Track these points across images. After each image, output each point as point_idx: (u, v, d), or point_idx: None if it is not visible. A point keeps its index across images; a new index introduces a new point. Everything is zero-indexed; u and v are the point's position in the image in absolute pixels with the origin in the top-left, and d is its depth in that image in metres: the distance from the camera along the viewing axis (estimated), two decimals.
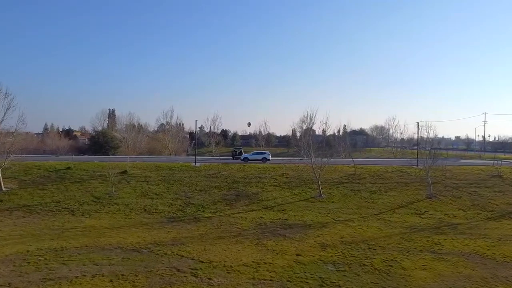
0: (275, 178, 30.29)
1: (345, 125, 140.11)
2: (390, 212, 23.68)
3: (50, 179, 28.84)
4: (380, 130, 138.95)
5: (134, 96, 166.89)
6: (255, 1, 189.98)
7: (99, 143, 51.67)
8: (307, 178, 30.45)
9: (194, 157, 36.37)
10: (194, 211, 23.24)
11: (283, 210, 23.53)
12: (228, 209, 23.84)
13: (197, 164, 34.74)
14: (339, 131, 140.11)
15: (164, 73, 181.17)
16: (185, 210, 23.38)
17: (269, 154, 40.49)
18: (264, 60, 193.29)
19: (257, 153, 42.19)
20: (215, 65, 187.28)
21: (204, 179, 29.66)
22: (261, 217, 21.93)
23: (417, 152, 36.10)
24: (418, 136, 36.94)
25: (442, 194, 27.03)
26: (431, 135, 34.50)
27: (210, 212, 23.05)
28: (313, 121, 26.35)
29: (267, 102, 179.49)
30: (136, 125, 75.89)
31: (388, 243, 16.62)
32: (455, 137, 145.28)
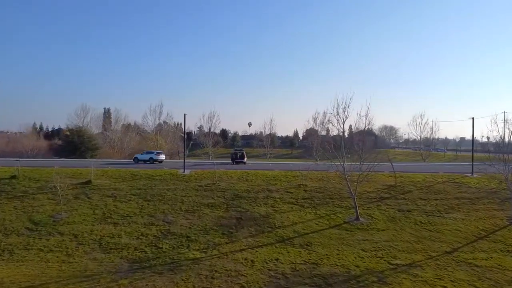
0: (289, 192, 22.36)
1: (350, 125, 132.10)
2: (467, 247, 15.73)
3: None
4: (389, 130, 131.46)
5: (132, 96, 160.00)
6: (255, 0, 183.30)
7: (74, 144, 43.78)
8: (333, 191, 22.54)
9: (183, 161, 28.41)
10: (173, 247, 15.33)
11: (308, 245, 15.61)
12: (226, 242, 15.93)
13: (187, 172, 26.84)
14: (343, 131, 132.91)
15: (163, 73, 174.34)
16: (160, 246, 15.45)
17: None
18: (264, 60, 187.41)
19: (147, 153, 37.29)
20: (215, 64, 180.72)
21: (194, 193, 21.75)
22: (277, 260, 14.05)
23: (472, 155, 28.10)
24: (473, 135, 28.96)
25: None
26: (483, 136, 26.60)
27: (197, 249, 15.15)
28: (346, 114, 18.47)
29: (267, 102, 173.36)
30: (122, 123, 67.90)
31: None
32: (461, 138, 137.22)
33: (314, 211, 19.57)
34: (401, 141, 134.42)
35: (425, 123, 47.52)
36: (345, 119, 19.05)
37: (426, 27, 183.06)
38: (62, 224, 17.45)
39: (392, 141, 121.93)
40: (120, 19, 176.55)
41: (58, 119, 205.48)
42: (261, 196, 21.46)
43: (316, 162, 42.11)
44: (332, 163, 19.54)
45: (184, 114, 28.22)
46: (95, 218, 18.24)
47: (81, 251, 14.94)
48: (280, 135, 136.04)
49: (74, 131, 46.43)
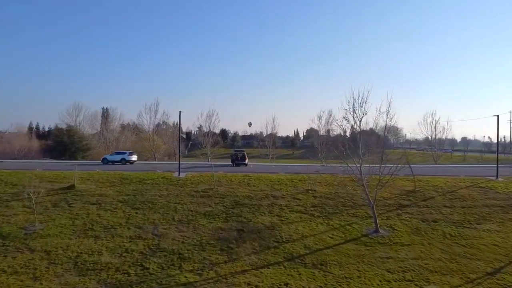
0: (297, 198, 19.90)
1: (352, 125, 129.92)
2: (510, 267, 13.30)
3: None
4: (393, 130, 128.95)
5: (132, 96, 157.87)
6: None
7: (63, 144, 41.21)
8: (346, 197, 20.10)
9: (178, 163, 25.89)
10: (162, 268, 12.85)
11: (322, 265, 13.14)
12: (225, 261, 13.44)
13: (182, 175, 24.38)
14: (345, 131, 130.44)
15: (163, 73, 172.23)
16: (147, 266, 12.96)
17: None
18: (264, 60, 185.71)
19: (118, 153, 36.20)
20: (215, 64, 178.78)
21: (189, 200, 19.29)
22: (286, 285, 11.58)
23: (497, 156, 25.62)
24: (498, 135, 26.41)
25: None
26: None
27: (191, 271, 12.67)
28: (363, 109, 15.90)
29: (267, 102, 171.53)
30: (119, 123, 65.40)
31: None
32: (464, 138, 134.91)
33: (326, 221, 17.10)
34: (401, 141, 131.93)
35: (437, 122, 44.96)
36: (362, 115, 16.53)
37: (426, 27, 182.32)
38: (34, 238, 14.97)
39: (396, 141, 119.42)
40: (120, 19, 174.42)
41: (55, 119, 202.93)
42: (265, 204, 19.00)
43: (322, 164, 39.71)
44: (346, 165, 17.04)
45: (180, 112, 25.83)
46: (73, 230, 15.76)
47: (51, 273, 12.46)
48: (280, 135, 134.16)
49: (64, 130, 43.89)
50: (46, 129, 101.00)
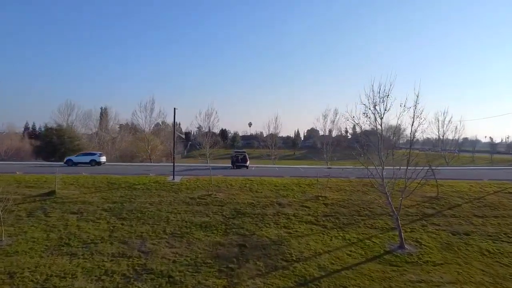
0: (305, 206, 17.60)
1: (354, 125, 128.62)
2: None
3: None
4: (396, 130, 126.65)
5: (132, 96, 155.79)
6: None
7: (53, 144, 38.85)
8: (361, 205, 17.81)
9: (172, 165, 23.47)
10: None
11: None
12: (224, 287, 11.13)
13: (177, 178, 22.08)
14: (346, 131, 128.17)
15: (163, 73, 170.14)
16: None
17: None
18: (264, 59, 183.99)
19: (86, 154, 33.65)
20: (215, 64, 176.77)
21: (183, 209, 16.99)
22: None
23: None
24: None
25: None
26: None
27: None
28: (385, 104, 13.68)
29: (267, 102, 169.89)
30: (116, 123, 63.07)
31: None
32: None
33: (341, 234, 14.78)
34: (401, 142, 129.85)
35: (449, 121, 42.62)
36: (384, 111, 14.23)
37: (426, 27, 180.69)
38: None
39: (397, 141, 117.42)
40: (120, 19, 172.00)
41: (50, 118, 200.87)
42: (270, 213, 16.69)
43: (329, 166, 37.45)
44: (363, 167, 14.69)
45: (174, 108, 23.46)
46: (47, 246, 13.45)
47: None
48: (280, 136, 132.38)
49: (53, 130, 41.49)
50: (41, 129, 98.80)
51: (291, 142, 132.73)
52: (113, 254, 12.86)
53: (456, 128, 45.61)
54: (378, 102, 14.25)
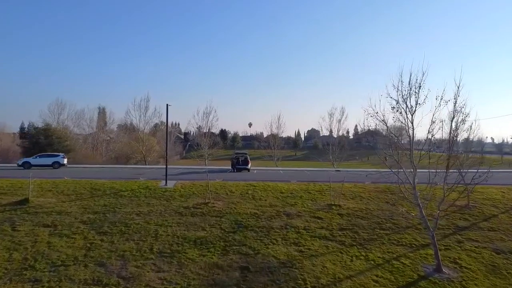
0: (317, 218, 15.17)
1: (356, 125, 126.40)
2: None
3: None
4: (399, 130, 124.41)
5: (132, 97, 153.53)
6: None
7: (40, 145, 36.45)
8: (381, 215, 15.39)
9: (165, 168, 20.96)
10: None
11: None
12: None
13: (170, 184, 19.67)
14: (347, 132, 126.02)
15: (163, 73, 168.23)
16: None
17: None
18: (264, 59, 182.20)
19: (49, 156, 30.58)
20: (215, 64, 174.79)
21: (176, 220, 14.56)
22: None
23: None
24: None
25: None
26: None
27: None
28: (417, 98, 11.28)
29: (267, 102, 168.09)
30: (108, 122, 60.66)
31: None
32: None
33: (363, 254, 12.34)
34: (401, 142, 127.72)
35: (462, 120, 40.07)
36: (416, 105, 11.81)
37: (425, 27, 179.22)
38: None
39: (403, 142, 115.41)
40: (119, 19, 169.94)
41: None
42: (277, 225, 14.28)
43: (337, 169, 35.03)
44: (391, 170, 12.28)
45: (167, 105, 21.01)
46: (6, 269, 11.01)
47: None
48: (281, 136, 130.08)
49: (40, 130, 39.07)
50: (29, 129, 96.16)
51: (292, 143, 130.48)
52: (86, 281, 10.41)
53: (470, 127, 43.06)
54: (407, 96, 11.82)
